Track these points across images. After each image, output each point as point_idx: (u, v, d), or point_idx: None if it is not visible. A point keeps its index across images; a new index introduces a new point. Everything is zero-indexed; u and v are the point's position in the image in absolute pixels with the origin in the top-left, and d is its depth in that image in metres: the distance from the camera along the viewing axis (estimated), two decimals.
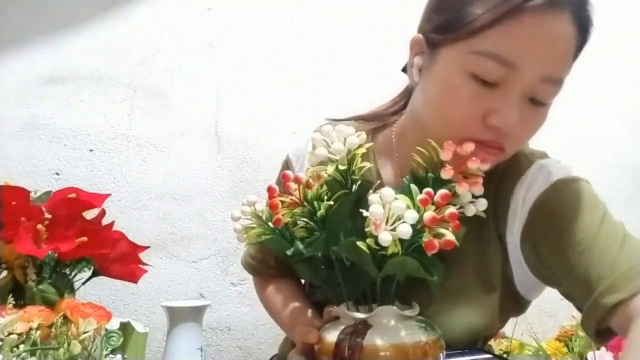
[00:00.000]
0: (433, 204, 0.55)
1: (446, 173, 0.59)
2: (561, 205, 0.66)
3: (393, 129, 0.79)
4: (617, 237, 0.62)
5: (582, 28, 0.63)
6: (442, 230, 0.54)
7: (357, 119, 0.85)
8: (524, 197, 0.68)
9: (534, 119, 0.64)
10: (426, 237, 0.53)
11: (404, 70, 0.77)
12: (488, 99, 0.60)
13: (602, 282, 0.58)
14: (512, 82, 0.59)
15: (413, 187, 0.58)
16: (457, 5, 0.61)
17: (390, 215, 0.54)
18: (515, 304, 0.76)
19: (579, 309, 0.63)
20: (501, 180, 0.71)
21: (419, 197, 0.55)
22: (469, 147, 0.59)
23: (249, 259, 0.95)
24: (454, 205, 0.57)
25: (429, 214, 0.54)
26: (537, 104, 0.62)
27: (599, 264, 0.60)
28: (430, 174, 0.61)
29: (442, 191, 0.55)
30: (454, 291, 0.71)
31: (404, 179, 0.63)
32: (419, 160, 0.63)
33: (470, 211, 0.59)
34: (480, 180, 0.59)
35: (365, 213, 0.55)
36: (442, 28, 0.63)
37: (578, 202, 0.65)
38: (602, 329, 0.60)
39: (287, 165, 0.92)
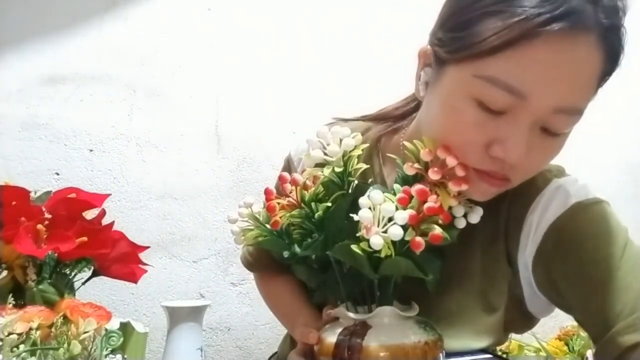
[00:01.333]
0: (417, 203, 0.55)
1: (408, 169, 0.58)
2: (579, 231, 0.61)
3: (402, 135, 0.74)
4: (639, 272, 0.58)
5: (611, 53, 0.55)
6: (427, 226, 0.53)
7: (365, 119, 0.82)
8: (539, 219, 0.63)
9: (545, 149, 0.57)
10: (410, 236, 0.53)
11: None
12: (493, 128, 0.54)
13: (620, 320, 0.55)
14: (520, 112, 0.53)
15: (396, 186, 0.58)
16: (465, 22, 0.54)
17: (381, 218, 0.54)
18: (524, 322, 0.73)
19: (593, 340, 0.60)
20: (515, 199, 0.65)
21: (398, 196, 0.55)
22: (451, 161, 0.56)
23: (247, 256, 0.95)
24: (450, 207, 0.57)
25: (408, 212, 0.53)
26: (550, 134, 0.55)
27: (618, 300, 0.56)
28: (400, 172, 0.61)
29: (418, 187, 0.55)
30: (454, 311, 0.68)
31: (397, 177, 0.62)
32: (403, 158, 0.62)
33: (461, 224, 0.58)
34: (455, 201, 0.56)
35: (355, 217, 0.55)
36: (448, 45, 0.56)
37: (597, 229, 0.61)
38: None
39: (288, 163, 0.92)
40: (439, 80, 0.59)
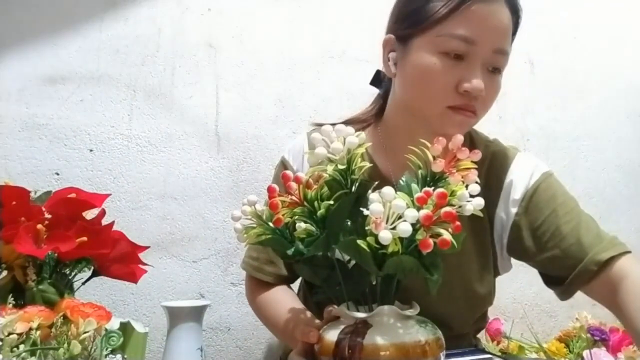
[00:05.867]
0: (434, 205, 0.55)
1: (437, 166, 0.59)
2: (552, 191, 0.84)
3: (378, 127, 0.91)
4: (594, 221, 0.83)
5: (514, 12, 0.81)
6: (440, 230, 0.54)
7: (345, 122, 0.91)
8: (517, 184, 0.85)
9: (493, 85, 0.80)
10: (421, 235, 0.53)
11: (372, 83, 0.97)
12: (458, 71, 0.77)
13: (594, 246, 0.78)
14: (473, 56, 0.77)
15: (414, 186, 0.58)
16: (419, 5, 0.79)
17: (391, 214, 0.54)
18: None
19: (570, 268, 0.79)
20: (491, 167, 0.86)
21: (417, 195, 0.55)
22: (458, 140, 0.60)
23: (250, 261, 0.97)
24: (452, 205, 0.57)
25: (424, 212, 0.54)
26: (493, 72, 0.80)
27: (587, 235, 0.79)
28: (421, 171, 0.62)
29: (439, 190, 0.55)
30: (454, 266, 0.82)
31: (400, 180, 0.64)
32: (413, 160, 0.63)
33: (468, 210, 0.59)
34: (474, 171, 0.60)
35: (365, 212, 0.55)
36: (411, 23, 0.79)
37: (562, 190, 0.86)
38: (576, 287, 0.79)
39: (284, 166, 0.96)
40: (408, 53, 0.80)
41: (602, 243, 0.78)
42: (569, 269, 0.79)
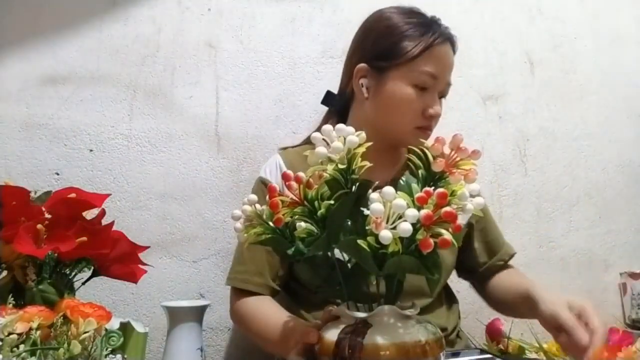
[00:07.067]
0: (434, 205, 0.55)
1: (437, 165, 0.59)
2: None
3: None
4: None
5: (454, 50, 1.03)
6: (440, 230, 0.54)
7: (306, 142, 1.06)
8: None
9: (442, 108, 1.02)
10: (421, 235, 0.53)
11: (324, 103, 1.12)
12: (423, 100, 0.98)
13: (503, 245, 1.14)
14: (434, 87, 0.99)
15: (414, 186, 0.58)
16: (392, 44, 0.98)
17: (391, 214, 0.54)
18: None
19: (490, 257, 1.12)
20: None
21: (417, 195, 0.55)
22: (458, 139, 0.60)
23: (237, 275, 0.99)
24: (452, 205, 0.57)
25: (424, 211, 0.53)
26: (440, 98, 1.02)
27: (500, 237, 1.15)
28: (421, 172, 0.62)
29: (440, 190, 0.55)
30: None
31: (400, 180, 0.64)
32: (414, 160, 0.63)
33: (468, 210, 0.59)
34: (474, 170, 0.60)
35: (366, 211, 0.55)
36: (388, 58, 0.98)
37: None
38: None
39: (264, 184, 1.02)
40: (383, 83, 0.99)
41: (505, 243, 1.14)
42: (487, 257, 1.11)
